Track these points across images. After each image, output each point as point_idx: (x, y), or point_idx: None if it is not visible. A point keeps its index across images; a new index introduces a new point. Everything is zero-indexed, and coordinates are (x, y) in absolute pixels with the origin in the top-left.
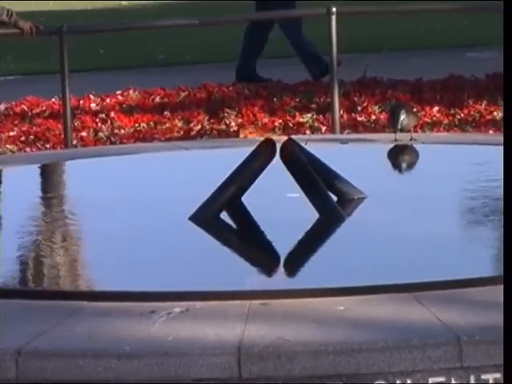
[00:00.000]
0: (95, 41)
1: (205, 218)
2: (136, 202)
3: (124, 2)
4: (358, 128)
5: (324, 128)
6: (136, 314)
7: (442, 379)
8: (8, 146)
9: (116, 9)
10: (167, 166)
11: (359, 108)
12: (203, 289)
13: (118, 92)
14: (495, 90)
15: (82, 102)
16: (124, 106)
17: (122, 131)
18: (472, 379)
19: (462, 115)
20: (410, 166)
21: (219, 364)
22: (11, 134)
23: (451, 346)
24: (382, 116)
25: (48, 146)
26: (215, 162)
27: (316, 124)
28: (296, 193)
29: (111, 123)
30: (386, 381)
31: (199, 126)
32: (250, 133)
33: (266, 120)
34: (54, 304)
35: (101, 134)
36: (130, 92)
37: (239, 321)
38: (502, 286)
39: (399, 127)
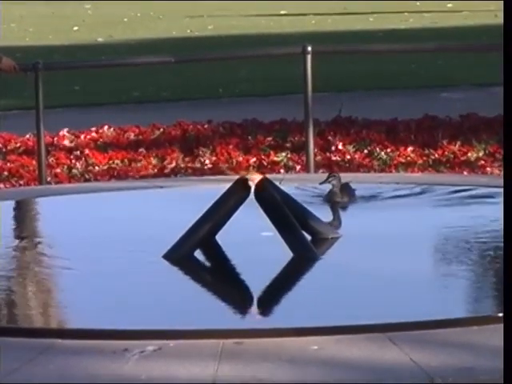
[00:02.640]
0: (70, 77)
1: (179, 256)
2: (109, 239)
3: (100, 39)
4: (333, 167)
5: (298, 167)
6: (109, 352)
7: None
8: None
9: (92, 45)
10: (141, 204)
11: (334, 147)
12: (177, 327)
13: (93, 129)
14: (469, 131)
15: (56, 138)
16: (98, 142)
17: (97, 168)
18: None
19: (437, 155)
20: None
21: None
22: None
23: None
24: (356, 156)
25: (22, 182)
26: (189, 200)
27: (290, 163)
28: (270, 231)
29: (85, 160)
30: None
31: (174, 164)
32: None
33: (240, 158)
34: (26, 341)
35: (75, 171)
36: (105, 129)
37: (212, 360)
38: (474, 328)
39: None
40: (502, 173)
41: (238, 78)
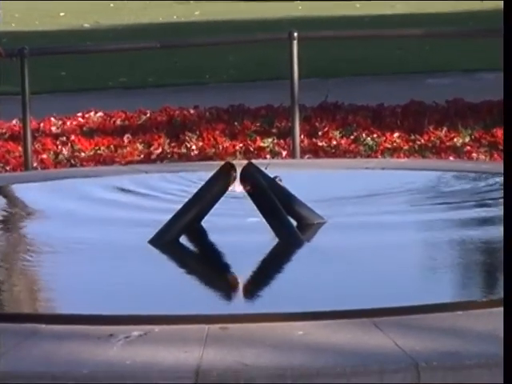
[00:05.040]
0: (57, 63)
1: (164, 241)
2: (95, 224)
3: (86, 25)
4: (319, 153)
5: (284, 153)
6: (94, 337)
7: None
8: None
9: (78, 31)
10: (127, 189)
11: (320, 133)
12: (162, 312)
13: (79, 114)
14: (455, 116)
15: (42, 124)
16: (85, 128)
17: (83, 154)
18: None
19: (423, 141)
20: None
21: None
22: None
23: (409, 371)
24: (342, 141)
25: (8, 168)
26: (175, 186)
27: (276, 149)
28: (256, 217)
29: (71, 146)
30: None
31: (160, 150)
32: None
33: (226, 144)
34: (11, 327)
35: (61, 157)
36: (91, 114)
37: (198, 345)
38: (459, 312)
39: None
40: (501, 166)
41: (225, 63)
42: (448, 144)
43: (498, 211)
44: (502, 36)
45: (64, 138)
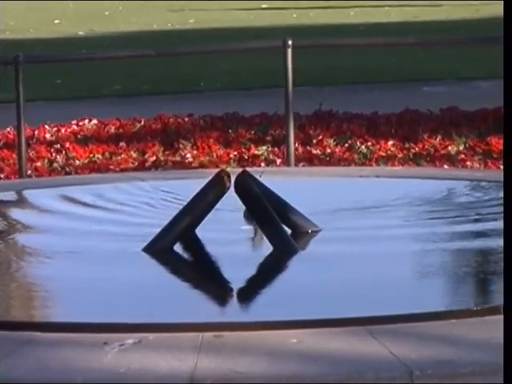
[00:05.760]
0: (51, 70)
1: (158, 249)
2: (89, 232)
3: (81, 32)
4: (313, 161)
5: (279, 161)
6: (88, 345)
7: None
8: None
9: (73, 38)
10: (122, 197)
11: (314, 141)
12: (156, 320)
13: (74, 122)
14: (450, 125)
15: (37, 131)
16: (79, 136)
17: (77, 162)
18: None
19: (417, 149)
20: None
21: None
22: None
23: (404, 380)
24: (337, 149)
25: (2, 176)
26: (169, 194)
27: (271, 156)
28: (250, 225)
29: (66, 154)
30: None
31: (154, 158)
32: None
33: (221, 152)
34: (6, 334)
35: (55, 165)
36: (86, 122)
37: (192, 353)
38: (454, 321)
39: None
40: (502, 172)
41: (220, 71)
42: (442, 152)
43: (493, 220)
44: (498, 44)
45: (58, 146)
